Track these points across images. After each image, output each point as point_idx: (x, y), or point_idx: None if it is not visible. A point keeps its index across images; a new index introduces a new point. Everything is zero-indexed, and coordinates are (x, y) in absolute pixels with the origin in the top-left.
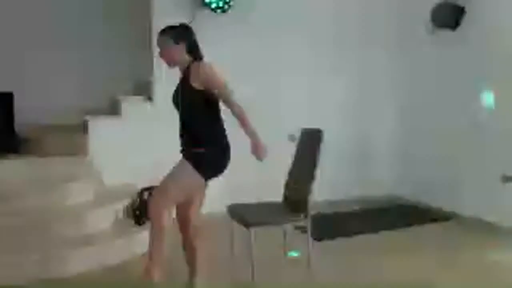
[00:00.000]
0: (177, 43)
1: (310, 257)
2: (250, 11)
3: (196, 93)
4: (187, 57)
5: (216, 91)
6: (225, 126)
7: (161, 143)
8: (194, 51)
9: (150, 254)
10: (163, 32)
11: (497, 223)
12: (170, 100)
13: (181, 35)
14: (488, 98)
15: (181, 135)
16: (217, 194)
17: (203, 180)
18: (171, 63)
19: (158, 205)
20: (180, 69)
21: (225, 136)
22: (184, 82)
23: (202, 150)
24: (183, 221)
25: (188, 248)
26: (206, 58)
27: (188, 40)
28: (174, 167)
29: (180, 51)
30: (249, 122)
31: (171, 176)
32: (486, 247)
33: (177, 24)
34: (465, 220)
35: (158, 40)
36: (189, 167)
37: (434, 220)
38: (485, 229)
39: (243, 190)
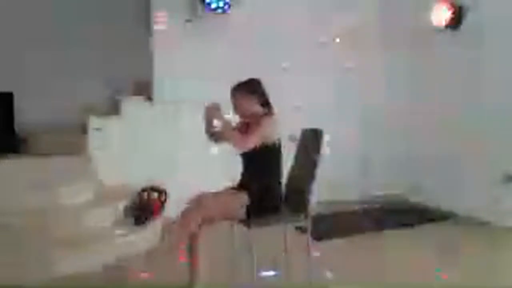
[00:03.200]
0: (251, 96)
1: (310, 257)
2: (250, 11)
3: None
4: (260, 110)
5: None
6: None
7: (161, 143)
8: (265, 105)
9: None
10: (238, 85)
11: (495, 222)
12: (170, 100)
13: (255, 88)
14: None
15: (241, 177)
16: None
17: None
18: (244, 115)
19: (191, 214)
20: (252, 120)
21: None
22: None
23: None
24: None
25: (188, 248)
26: (206, 58)
27: (261, 93)
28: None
29: (254, 104)
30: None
31: (224, 194)
32: (484, 246)
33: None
34: (463, 220)
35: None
36: (240, 194)
37: (432, 220)
38: (483, 229)
39: None
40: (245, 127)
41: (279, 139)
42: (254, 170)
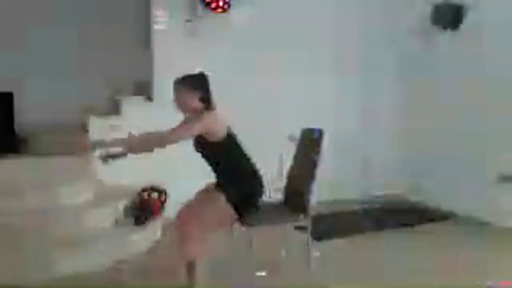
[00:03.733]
0: (191, 92)
1: (310, 257)
2: (250, 11)
3: (204, 141)
4: (199, 105)
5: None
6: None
7: None
8: (206, 100)
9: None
10: (180, 80)
11: (495, 223)
12: (170, 100)
13: (196, 83)
14: None
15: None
16: None
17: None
18: (184, 110)
19: (190, 236)
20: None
21: (248, 175)
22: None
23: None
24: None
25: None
26: (206, 58)
27: (202, 89)
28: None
29: (194, 99)
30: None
31: (203, 209)
32: (483, 246)
33: (192, 73)
34: (462, 220)
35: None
36: (222, 200)
37: (432, 220)
38: (482, 229)
39: None
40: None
41: (230, 130)
42: (219, 168)
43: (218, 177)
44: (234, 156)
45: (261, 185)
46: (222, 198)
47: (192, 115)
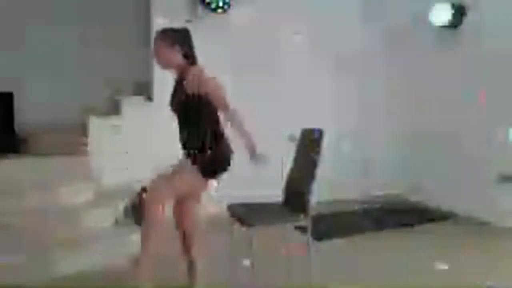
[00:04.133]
0: (173, 47)
1: (310, 257)
2: (250, 11)
3: (192, 98)
4: (182, 61)
5: (209, 96)
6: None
7: (160, 143)
8: (190, 56)
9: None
10: (160, 34)
11: (495, 223)
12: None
13: (179, 38)
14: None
15: (182, 138)
16: (217, 194)
17: (202, 177)
18: (166, 66)
19: (155, 198)
20: (176, 73)
21: (225, 139)
22: (179, 87)
23: (203, 152)
24: (180, 218)
25: (187, 248)
26: (207, 58)
27: (185, 44)
28: (174, 165)
29: (176, 55)
30: (245, 130)
31: (172, 172)
32: (483, 246)
33: (175, 27)
34: (462, 220)
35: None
36: (189, 165)
37: (432, 220)
38: (482, 229)
39: (243, 190)
40: (180, 86)
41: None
42: (194, 126)
43: (189, 141)
44: (209, 113)
45: (231, 151)
46: (189, 162)
47: (180, 73)
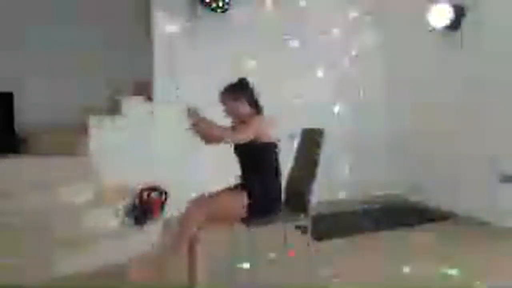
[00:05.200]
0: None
1: (310, 257)
2: (250, 11)
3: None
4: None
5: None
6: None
7: (161, 143)
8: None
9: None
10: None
11: (495, 223)
12: (170, 100)
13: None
14: None
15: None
16: None
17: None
18: (238, 118)
19: (196, 201)
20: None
21: (277, 183)
22: None
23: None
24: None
25: (188, 249)
26: (207, 58)
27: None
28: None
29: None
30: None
31: (218, 196)
32: (483, 246)
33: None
34: (463, 220)
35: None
36: (240, 194)
37: (432, 220)
38: (482, 229)
39: None
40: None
41: (276, 140)
42: (251, 169)
43: (244, 175)
44: (268, 160)
45: (280, 201)
46: (244, 195)
47: (247, 120)
